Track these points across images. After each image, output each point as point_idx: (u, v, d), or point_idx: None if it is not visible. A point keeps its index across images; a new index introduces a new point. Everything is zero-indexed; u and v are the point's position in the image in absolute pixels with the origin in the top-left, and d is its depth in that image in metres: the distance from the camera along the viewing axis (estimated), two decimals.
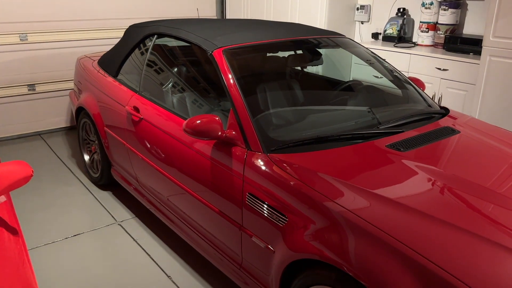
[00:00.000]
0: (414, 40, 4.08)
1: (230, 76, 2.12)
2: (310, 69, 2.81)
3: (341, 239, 1.48)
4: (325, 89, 2.66)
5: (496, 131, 2.24)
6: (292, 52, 2.67)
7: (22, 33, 4.09)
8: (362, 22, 4.49)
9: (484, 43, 3.09)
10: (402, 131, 2.05)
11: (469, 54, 3.43)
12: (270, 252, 1.76)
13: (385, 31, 4.13)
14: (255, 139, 1.90)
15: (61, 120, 4.55)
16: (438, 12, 3.72)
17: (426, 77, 3.56)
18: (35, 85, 4.30)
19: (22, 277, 1.35)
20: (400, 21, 3.97)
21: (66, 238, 2.72)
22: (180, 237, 2.70)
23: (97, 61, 3.44)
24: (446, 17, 3.65)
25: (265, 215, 1.75)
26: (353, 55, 2.66)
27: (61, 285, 2.31)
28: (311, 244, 1.56)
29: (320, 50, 2.67)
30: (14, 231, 1.64)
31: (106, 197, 3.23)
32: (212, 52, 2.26)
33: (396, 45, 3.88)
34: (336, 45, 2.65)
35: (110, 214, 3.00)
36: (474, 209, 1.52)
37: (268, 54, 2.70)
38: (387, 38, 4.09)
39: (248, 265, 1.95)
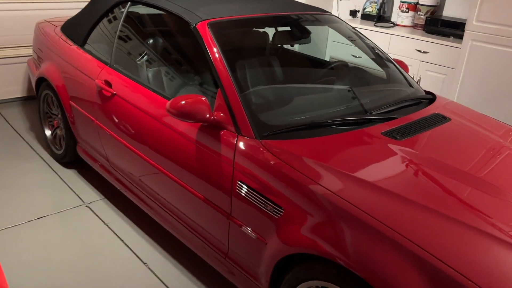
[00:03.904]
0: (393, 20, 4.02)
1: (217, 52, 1.96)
2: (298, 47, 2.68)
3: (342, 234, 1.41)
4: (316, 70, 2.54)
5: (482, 119, 2.22)
6: (280, 28, 2.52)
7: None
8: None
9: (467, 27, 3.06)
10: (395, 117, 1.99)
11: (449, 37, 3.41)
12: (262, 244, 1.67)
13: (364, 9, 4.04)
14: (246, 123, 1.77)
15: (17, 89, 4.19)
16: None
17: (406, 59, 3.52)
18: None
19: None
20: (380, 0, 3.89)
21: (29, 221, 2.51)
22: (155, 221, 2.56)
23: (59, 27, 3.15)
24: None
25: (259, 205, 1.65)
26: (340, 35, 2.55)
27: (24, 273, 2.13)
28: (309, 238, 1.48)
29: (309, 28, 2.54)
30: None
31: (71, 176, 3.01)
32: (196, 24, 2.08)
33: (376, 24, 3.81)
34: (323, 23, 2.53)
35: (76, 194, 2.80)
36: (474, 204, 1.48)
37: (255, 29, 2.54)
38: (366, 17, 4.01)
39: (234, 255, 1.85)
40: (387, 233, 1.34)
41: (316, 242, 1.46)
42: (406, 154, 1.71)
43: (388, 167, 1.61)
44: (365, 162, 1.63)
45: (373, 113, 1.99)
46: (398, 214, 1.40)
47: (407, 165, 1.64)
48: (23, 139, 3.47)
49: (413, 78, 3.54)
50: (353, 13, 4.23)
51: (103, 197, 2.79)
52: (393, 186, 1.51)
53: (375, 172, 1.58)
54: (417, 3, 3.72)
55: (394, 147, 1.74)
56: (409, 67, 3.55)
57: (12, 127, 3.66)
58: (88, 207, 2.68)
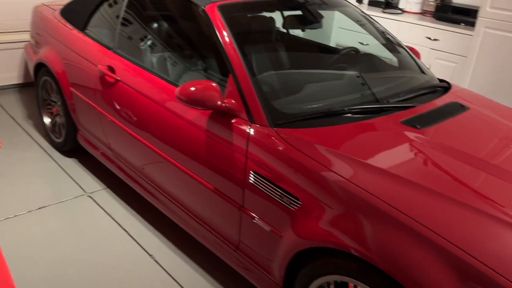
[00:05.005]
0: (401, 6, 3.92)
1: (227, 36, 1.87)
2: (310, 33, 2.59)
3: (363, 226, 1.34)
4: (328, 57, 2.45)
5: (499, 108, 2.15)
6: (290, 12, 2.43)
7: None
8: None
9: (480, 14, 2.98)
10: (414, 106, 1.91)
11: (460, 24, 3.32)
12: (276, 237, 1.60)
13: None
14: (260, 111, 1.69)
15: (13, 76, 4.07)
16: None
17: (415, 46, 3.43)
18: None
19: None
20: None
21: (30, 211, 2.43)
22: (160, 211, 2.48)
23: (59, 11, 3.03)
24: None
25: (274, 197, 1.57)
26: (353, 21, 2.46)
27: (25, 265, 2.05)
28: (327, 231, 1.41)
29: (321, 13, 2.45)
30: None
31: (71, 165, 2.92)
32: (204, 7, 1.99)
33: (384, 10, 3.71)
34: (334, 7, 2.43)
35: (77, 184, 2.71)
36: (500, 195, 1.42)
37: (262, 14, 2.45)
38: (373, 3, 3.91)
39: (246, 248, 1.78)
40: (411, 225, 1.28)
41: (335, 235, 1.39)
42: (428, 144, 1.63)
43: (410, 157, 1.54)
44: (387, 152, 1.56)
45: (390, 101, 1.91)
46: (422, 205, 1.33)
47: (429, 155, 1.57)
48: (21, 127, 3.37)
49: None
50: None
51: (105, 186, 2.71)
52: (418, 177, 1.44)
53: (398, 162, 1.50)
54: None
55: (415, 136, 1.67)
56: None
57: (9, 114, 3.55)
58: (90, 197, 2.60)
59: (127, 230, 2.34)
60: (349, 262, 1.38)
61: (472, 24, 3.09)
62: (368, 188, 1.39)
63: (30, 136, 3.24)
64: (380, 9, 3.81)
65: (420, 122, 1.76)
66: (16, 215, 2.39)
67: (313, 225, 1.46)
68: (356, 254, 1.33)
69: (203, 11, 1.98)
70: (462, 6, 3.37)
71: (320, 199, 1.45)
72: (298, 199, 1.50)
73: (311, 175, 1.48)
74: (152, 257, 2.17)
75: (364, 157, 1.51)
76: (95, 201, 2.56)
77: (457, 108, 1.97)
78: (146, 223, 2.40)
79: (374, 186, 1.39)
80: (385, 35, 2.46)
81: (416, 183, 1.41)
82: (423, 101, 1.98)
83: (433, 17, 3.52)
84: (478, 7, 3.11)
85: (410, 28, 3.45)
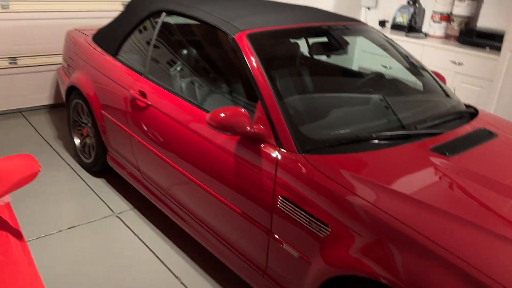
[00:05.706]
0: (424, 30, 3.94)
1: (256, 64, 1.92)
2: (335, 58, 2.63)
3: (394, 255, 1.34)
4: (354, 82, 2.49)
5: None
6: (317, 39, 2.48)
7: (4, 1, 3.72)
8: (368, 8, 4.31)
9: (506, 38, 2.97)
10: (441, 132, 1.91)
11: (485, 48, 3.32)
12: (305, 263, 1.61)
13: (394, 19, 3.97)
14: (288, 136, 1.72)
15: (44, 97, 4.23)
16: (453, 2, 3.58)
17: (439, 71, 3.43)
18: (17, 58, 3.95)
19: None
20: (412, 10, 3.82)
21: (60, 231, 2.49)
22: (187, 233, 2.51)
23: (91, 36, 3.15)
24: (462, 8, 3.51)
25: (302, 223, 1.59)
26: (376, 45, 2.49)
27: (55, 284, 2.10)
28: (357, 259, 1.41)
29: (345, 39, 2.49)
30: (18, 235, 1.44)
31: (100, 185, 2.99)
32: (234, 36, 2.05)
33: (407, 34, 3.74)
34: (359, 33, 2.47)
35: (106, 204, 2.78)
36: None
37: (289, 41, 2.50)
38: (396, 27, 3.94)
39: (273, 273, 1.79)
40: (441, 253, 1.27)
41: (365, 263, 1.39)
42: (458, 172, 1.63)
43: (441, 185, 1.54)
44: (419, 179, 1.56)
45: (418, 127, 1.92)
46: (453, 234, 1.33)
47: (460, 183, 1.57)
48: (51, 146, 3.47)
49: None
50: (382, 23, 4.16)
51: (133, 207, 2.76)
52: (449, 205, 1.44)
53: (429, 190, 1.51)
54: (451, 13, 3.64)
55: (445, 163, 1.67)
56: None
57: (40, 135, 3.67)
58: (118, 217, 2.66)
59: (154, 251, 2.38)
60: None
61: (497, 48, 3.09)
62: (398, 216, 1.40)
63: (60, 156, 3.34)
64: (403, 33, 3.84)
65: (449, 149, 1.76)
66: (47, 235, 2.45)
67: (342, 253, 1.46)
68: (386, 282, 1.33)
69: (233, 40, 2.04)
70: (487, 31, 3.37)
71: (349, 226, 1.47)
72: (327, 226, 1.52)
73: (341, 202, 1.50)
74: (178, 279, 2.19)
75: (395, 185, 1.52)
76: (123, 221, 2.62)
77: (486, 135, 1.97)
78: (172, 244, 2.44)
79: (405, 214, 1.40)
80: (409, 59, 2.48)
81: (447, 212, 1.41)
82: (451, 127, 1.99)
83: (457, 41, 3.53)
84: (503, 31, 3.11)
85: (434, 52, 3.46)
